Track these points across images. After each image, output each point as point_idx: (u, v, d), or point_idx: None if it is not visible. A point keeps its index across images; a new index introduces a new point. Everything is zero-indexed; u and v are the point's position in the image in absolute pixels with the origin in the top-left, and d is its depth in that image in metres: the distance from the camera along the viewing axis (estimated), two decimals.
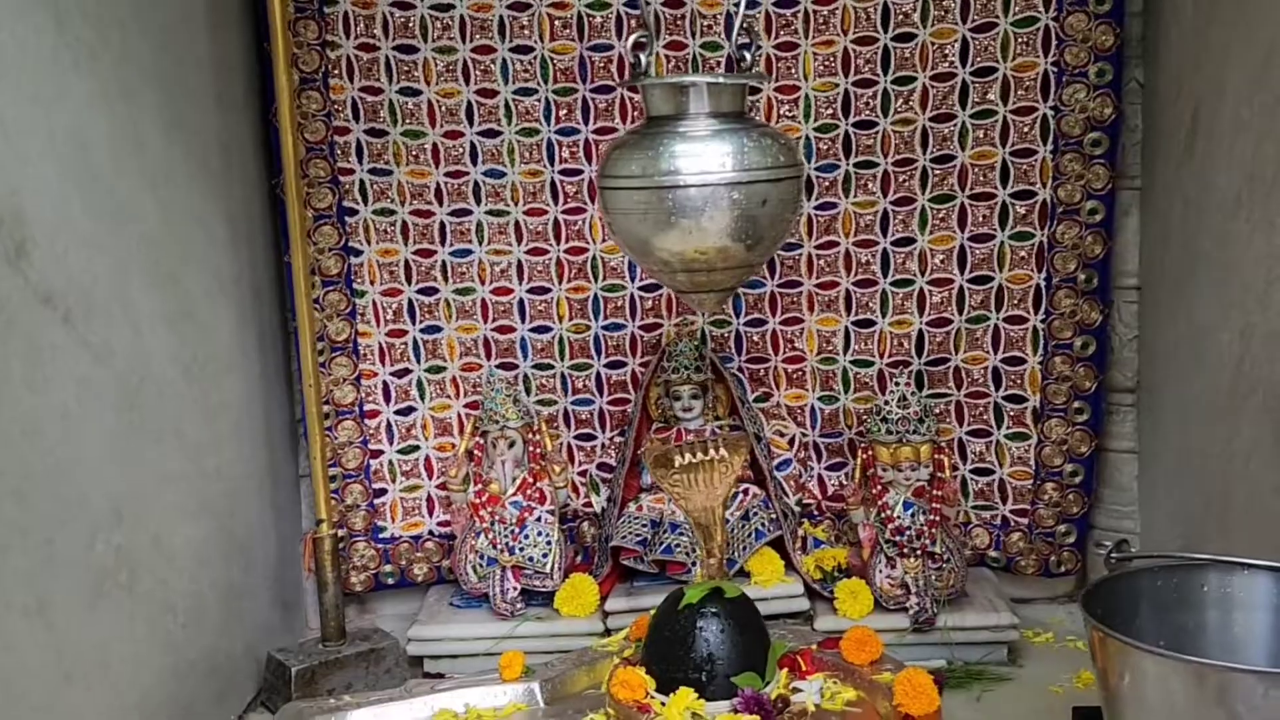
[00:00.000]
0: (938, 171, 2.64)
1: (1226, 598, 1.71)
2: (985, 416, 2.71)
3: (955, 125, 2.61)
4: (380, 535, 2.77)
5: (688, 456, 1.98)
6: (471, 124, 2.69)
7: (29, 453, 1.69)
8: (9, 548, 1.63)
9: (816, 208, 2.69)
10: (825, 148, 2.67)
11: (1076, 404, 2.64)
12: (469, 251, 2.74)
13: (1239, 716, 1.41)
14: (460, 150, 2.70)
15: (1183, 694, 1.46)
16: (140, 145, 2.07)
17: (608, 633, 2.53)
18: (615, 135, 2.57)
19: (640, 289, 2.77)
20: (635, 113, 2.67)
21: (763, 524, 2.62)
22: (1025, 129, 2.58)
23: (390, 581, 2.78)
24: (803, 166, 1.92)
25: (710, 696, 1.95)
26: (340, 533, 2.69)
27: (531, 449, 2.65)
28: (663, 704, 1.95)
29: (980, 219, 2.63)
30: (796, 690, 2.03)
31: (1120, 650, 1.53)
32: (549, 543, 2.61)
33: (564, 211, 2.73)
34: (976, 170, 2.62)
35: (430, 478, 2.79)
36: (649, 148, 1.84)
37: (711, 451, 1.98)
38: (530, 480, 2.63)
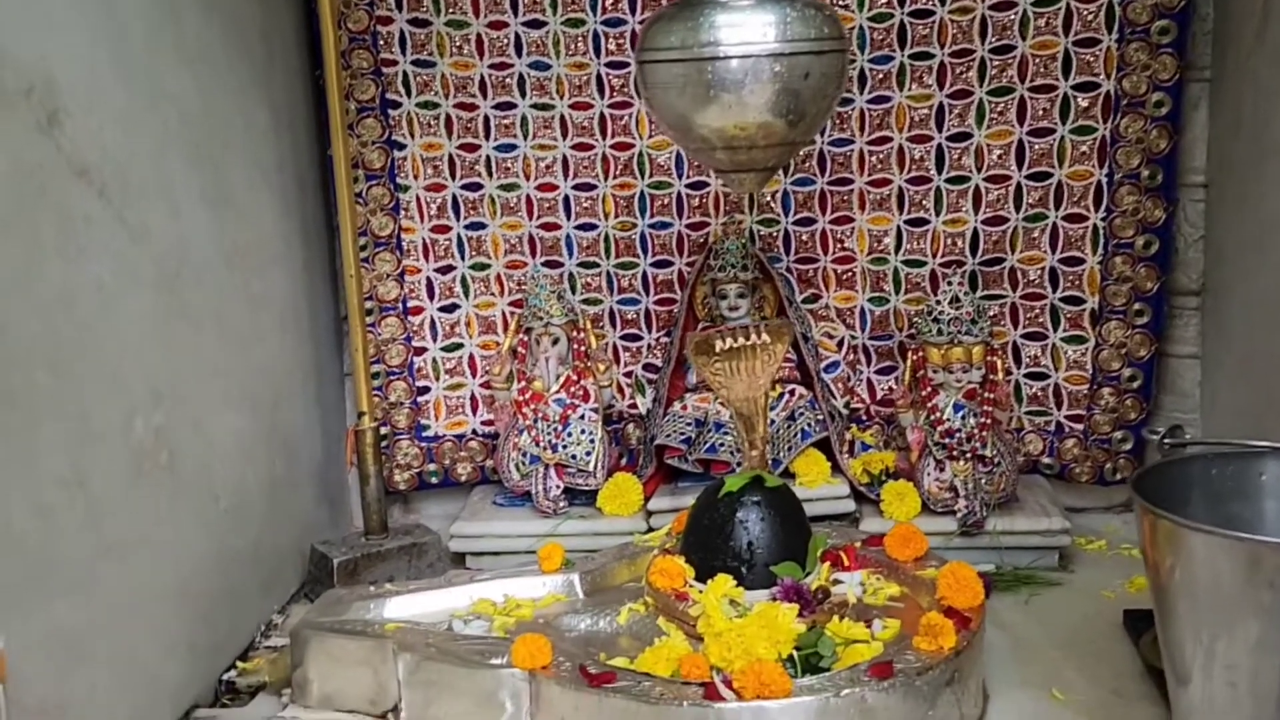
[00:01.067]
0: (996, 62, 2.55)
1: None
2: (1041, 319, 2.63)
3: (1015, 13, 2.52)
4: (424, 434, 2.76)
5: (729, 341, 1.94)
6: (516, 13, 2.63)
7: (63, 323, 1.67)
8: (44, 417, 1.62)
9: (869, 101, 2.61)
10: (879, 38, 2.58)
11: (1137, 306, 2.56)
12: (514, 146, 2.69)
13: None
14: (505, 41, 2.65)
15: (1231, 574, 1.41)
16: (177, 23, 2.04)
17: (650, 531, 2.51)
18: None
19: (687, 186, 2.71)
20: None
21: (809, 425, 2.57)
22: (1089, 17, 2.48)
23: (434, 480, 2.78)
24: (847, 40, 1.86)
25: (749, 585, 1.93)
26: (384, 430, 2.69)
27: (576, 347, 2.62)
28: (701, 592, 1.93)
29: (1040, 112, 2.54)
30: (837, 582, 2.00)
31: (1170, 531, 1.48)
32: (592, 441, 2.59)
33: (610, 105, 2.67)
34: (1037, 61, 2.52)
35: (474, 376, 2.77)
36: (689, 19, 1.79)
37: (754, 336, 1.93)
38: (574, 378, 2.60)
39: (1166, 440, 1.66)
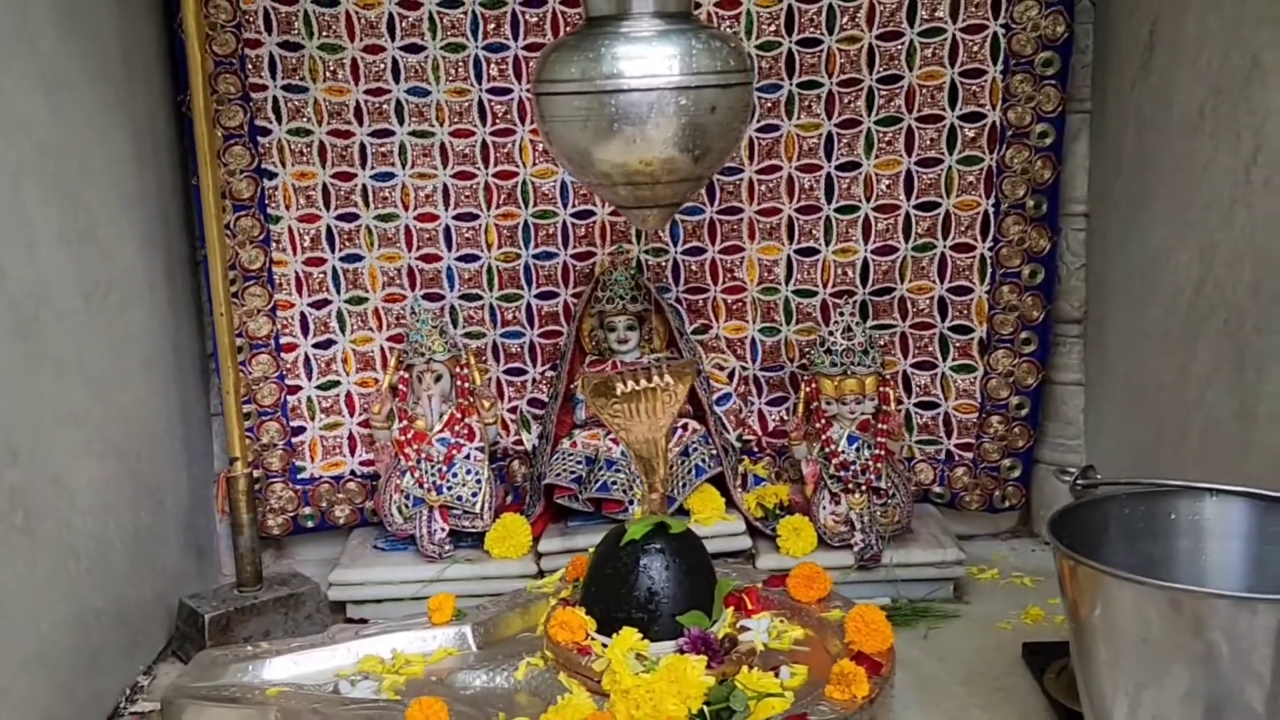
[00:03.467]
0: (884, 92, 2.53)
1: (1196, 525, 1.64)
2: (930, 348, 2.62)
3: (903, 44, 2.50)
4: (299, 476, 2.63)
5: (630, 384, 1.86)
6: (393, 37, 2.52)
7: None
8: None
9: (758, 130, 2.57)
10: (768, 66, 2.54)
11: (1024, 334, 2.57)
12: (391, 175, 2.58)
13: (1216, 645, 1.34)
14: (381, 66, 2.53)
15: (1160, 622, 1.38)
16: (30, 43, 1.89)
17: (541, 575, 2.42)
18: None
19: (573, 215, 2.63)
20: (569, 28, 2.52)
21: (703, 460, 2.51)
22: (975, 48, 2.48)
23: (310, 525, 2.64)
24: (752, 73, 1.80)
25: (654, 637, 1.85)
26: (256, 473, 2.54)
27: (459, 383, 2.52)
28: (604, 645, 1.85)
29: (928, 142, 2.54)
30: (744, 629, 1.94)
31: (1092, 578, 1.45)
32: (479, 481, 2.49)
33: (492, 133, 2.58)
34: (924, 91, 2.51)
35: (352, 415, 2.65)
36: (589, 49, 1.71)
37: (656, 378, 1.86)
38: (458, 416, 2.50)
39: (1079, 481, 1.64)
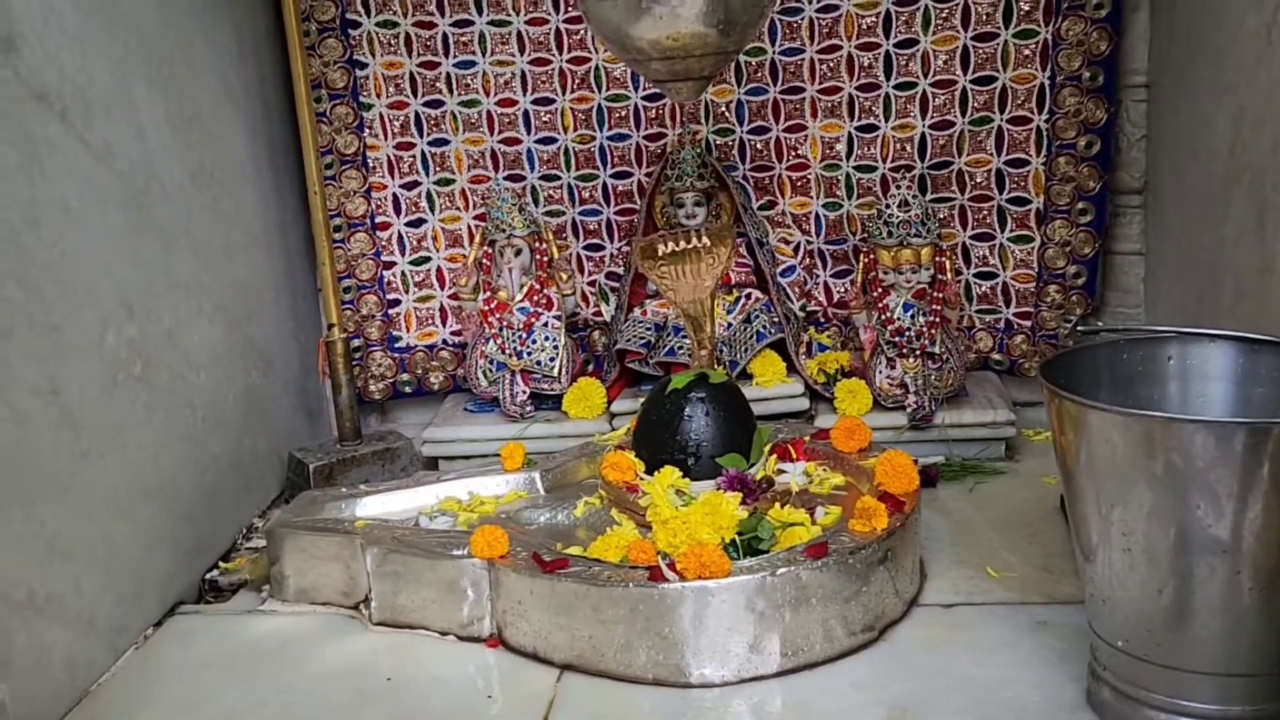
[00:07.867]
0: None
1: (1188, 369, 1.73)
2: (988, 220, 2.71)
3: None
4: (396, 344, 2.86)
5: (670, 245, 2.02)
6: None
7: (31, 241, 1.76)
8: (16, 329, 1.72)
9: (818, 10, 2.67)
10: None
11: (1080, 205, 2.64)
12: (473, 63, 2.76)
13: (1176, 466, 1.45)
14: None
15: (1125, 448, 1.50)
16: None
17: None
18: None
19: (644, 98, 2.77)
20: None
21: (764, 327, 2.67)
22: None
23: (408, 390, 2.88)
24: None
25: (696, 476, 2.03)
26: (357, 342, 2.79)
27: (539, 257, 2.70)
28: (650, 484, 2.03)
29: (984, 16, 2.60)
30: (781, 472, 2.10)
31: (1074, 412, 1.57)
32: (556, 347, 2.68)
33: (565, 20, 2.73)
34: None
35: (442, 288, 2.87)
36: None
37: (695, 240, 2.02)
38: (538, 287, 2.69)
39: (1079, 328, 1.75)
